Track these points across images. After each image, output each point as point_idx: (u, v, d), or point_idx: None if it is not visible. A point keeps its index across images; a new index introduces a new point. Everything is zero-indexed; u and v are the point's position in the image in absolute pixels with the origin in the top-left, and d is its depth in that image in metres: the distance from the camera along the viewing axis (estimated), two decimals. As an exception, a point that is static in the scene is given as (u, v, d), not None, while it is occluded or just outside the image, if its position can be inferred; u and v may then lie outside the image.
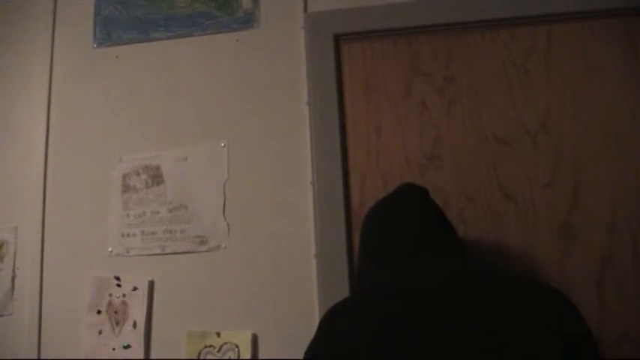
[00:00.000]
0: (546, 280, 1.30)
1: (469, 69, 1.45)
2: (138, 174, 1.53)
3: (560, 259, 1.33)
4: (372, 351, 0.78)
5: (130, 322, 1.44)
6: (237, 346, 1.38)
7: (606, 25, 1.41)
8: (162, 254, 1.48)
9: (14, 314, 1.52)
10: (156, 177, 1.52)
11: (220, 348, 1.39)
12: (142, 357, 1.42)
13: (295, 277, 1.40)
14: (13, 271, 1.54)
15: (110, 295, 1.47)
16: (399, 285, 0.88)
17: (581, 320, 0.86)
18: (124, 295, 1.46)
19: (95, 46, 1.62)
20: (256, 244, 1.44)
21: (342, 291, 1.33)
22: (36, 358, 1.47)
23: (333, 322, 0.87)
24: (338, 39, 1.49)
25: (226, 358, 1.38)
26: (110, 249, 1.50)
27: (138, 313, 1.44)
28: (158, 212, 1.50)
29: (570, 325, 0.83)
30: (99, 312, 1.46)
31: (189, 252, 1.46)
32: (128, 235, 1.50)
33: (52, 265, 1.52)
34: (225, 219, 1.46)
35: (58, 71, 1.62)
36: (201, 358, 1.39)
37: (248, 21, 1.55)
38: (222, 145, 1.50)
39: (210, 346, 1.39)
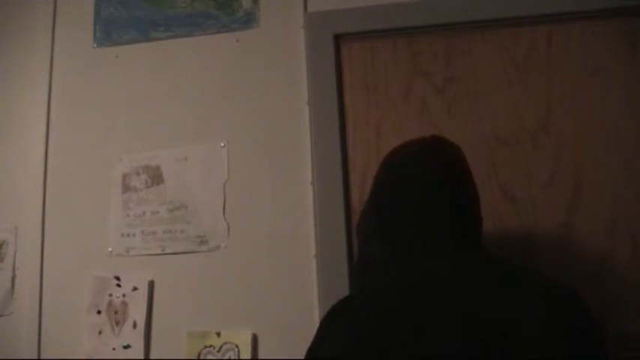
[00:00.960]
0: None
1: (469, 69, 1.45)
2: (138, 174, 1.53)
3: (560, 259, 1.33)
4: (372, 351, 0.78)
5: (130, 322, 1.44)
6: (237, 346, 1.38)
7: (606, 25, 1.42)
8: (162, 254, 1.48)
9: (14, 314, 1.52)
10: (156, 177, 1.52)
11: (220, 348, 1.39)
12: (142, 357, 1.42)
13: (295, 277, 1.40)
14: (13, 271, 1.54)
15: (110, 295, 1.47)
16: (403, 283, 0.87)
17: (589, 315, 0.84)
18: (124, 295, 1.46)
19: (95, 46, 1.62)
20: (256, 244, 1.44)
21: (342, 291, 1.33)
22: (36, 358, 1.47)
23: (334, 321, 0.87)
24: (338, 39, 1.49)
25: (226, 358, 1.38)
26: (110, 249, 1.50)
27: (138, 313, 1.44)
28: (158, 212, 1.50)
29: (577, 320, 0.82)
30: (99, 312, 1.46)
31: (189, 252, 1.46)
32: (128, 235, 1.50)
33: (52, 265, 1.52)
34: (225, 219, 1.46)
35: (58, 71, 1.62)
36: (201, 358, 1.39)
37: (248, 21, 1.55)
38: (222, 145, 1.50)
39: (210, 346, 1.39)
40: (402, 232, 0.93)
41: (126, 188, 1.53)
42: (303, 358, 0.87)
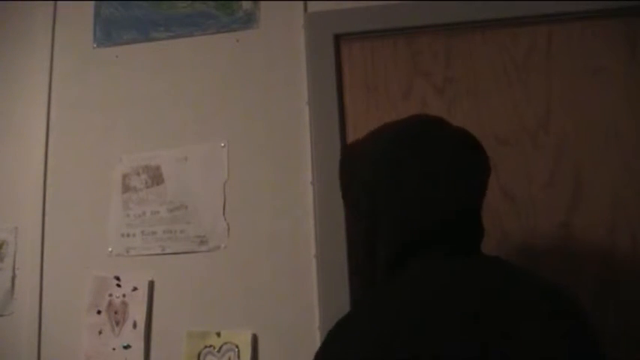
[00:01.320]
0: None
1: (469, 69, 1.45)
2: (138, 174, 1.53)
3: (560, 259, 1.34)
4: (374, 355, 0.78)
5: (130, 322, 1.44)
6: (237, 346, 1.38)
7: (606, 25, 1.42)
8: (162, 254, 1.48)
9: (14, 314, 1.52)
10: (156, 177, 1.52)
11: (220, 348, 1.39)
12: (142, 357, 1.42)
13: (295, 277, 1.40)
14: (13, 271, 1.54)
15: (110, 295, 1.47)
16: (403, 285, 0.87)
17: (587, 316, 0.84)
18: (124, 295, 1.46)
19: (95, 46, 1.62)
20: (256, 244, 1.44)
21: (342, 291, 1.34)
22: (36, 358, 1.47)
23: (336, 335, 0.87)
24: (338, 39, 1.49)
25: (226, 358, 1.38)
26: (110, 249, 1.50)
27: (138, 313, 1.44)
28: (158, 212, 1.50)
29: (576, 321, 0.82)
30: (99, 312, 1.46)
31: (189, 252, 1.46)
32: (128, 235, 1.50)
33: (52, 265, 1.52)
34: (225, 219, 1.46)
35: (58, 71, 1.62)
36: (201, 358, 1.39)
37: (248, 21, 1.55)
38: (222, 145, 1.50)
39: (210, 346, 1.39)
40: (400, 231, 0.92)
41: (126, 188, 1.53)
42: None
